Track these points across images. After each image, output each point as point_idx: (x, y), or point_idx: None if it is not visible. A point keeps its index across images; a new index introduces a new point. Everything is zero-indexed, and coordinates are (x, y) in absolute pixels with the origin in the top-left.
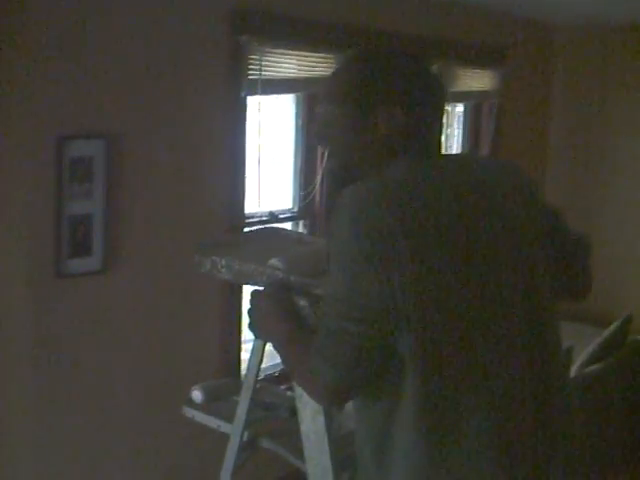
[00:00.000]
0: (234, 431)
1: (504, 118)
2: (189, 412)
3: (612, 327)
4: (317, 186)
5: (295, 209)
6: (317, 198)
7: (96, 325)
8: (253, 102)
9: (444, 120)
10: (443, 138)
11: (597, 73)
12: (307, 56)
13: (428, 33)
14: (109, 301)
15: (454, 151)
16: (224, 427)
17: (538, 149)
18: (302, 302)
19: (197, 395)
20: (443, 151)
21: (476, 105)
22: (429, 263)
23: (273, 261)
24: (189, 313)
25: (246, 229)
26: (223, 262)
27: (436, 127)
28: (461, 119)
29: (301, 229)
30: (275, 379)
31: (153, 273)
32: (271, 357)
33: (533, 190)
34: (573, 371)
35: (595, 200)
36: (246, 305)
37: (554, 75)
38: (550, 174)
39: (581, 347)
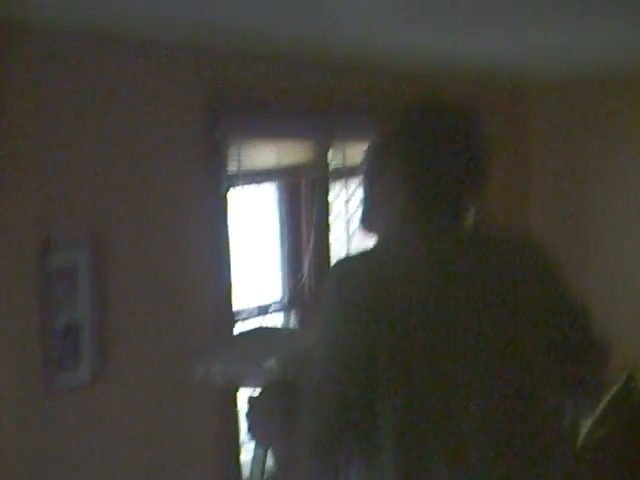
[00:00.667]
0: None
1: None
2: None
3: (614, 389)
4: (305, 274)
5: (285, 299)
6: (306, 286)
7: (87, 439)
8: (235, 193)
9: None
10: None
11: (573, 133)
12: (286, 144)
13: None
14: (100, 413)
15: None
16: None
17: (516, 210)
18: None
19: None
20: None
21: None
22: (405, 327)
23: (268, 363)
24: (183, 422)
25: (236, 327)
26: (216, 368)
27: (453, 196)
28: None
29: (292, 319)
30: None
31: (144, 381)
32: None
33: (547, 277)
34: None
35: (578, 258)
36: (243, 409)
37: (531, 135)
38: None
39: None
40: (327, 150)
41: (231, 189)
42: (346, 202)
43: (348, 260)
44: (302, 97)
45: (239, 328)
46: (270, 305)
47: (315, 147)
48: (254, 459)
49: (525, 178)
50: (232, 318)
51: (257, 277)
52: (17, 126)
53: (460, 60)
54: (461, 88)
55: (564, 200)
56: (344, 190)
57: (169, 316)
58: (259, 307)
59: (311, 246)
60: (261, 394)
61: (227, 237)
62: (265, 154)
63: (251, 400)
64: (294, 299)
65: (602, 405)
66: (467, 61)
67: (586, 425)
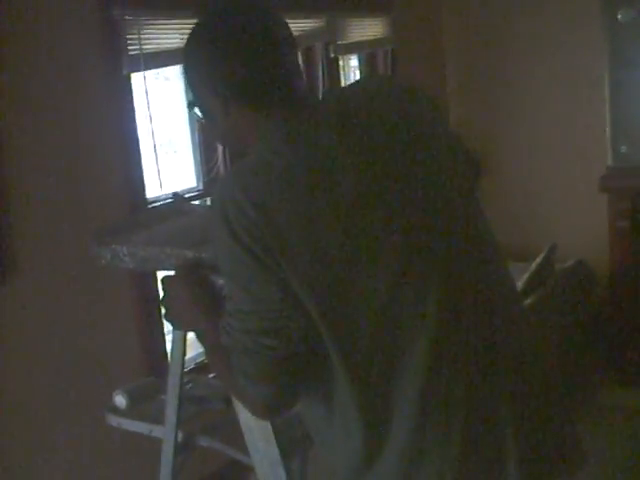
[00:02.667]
0: (167, 434)
1: (400, 64)
2: (114, 420)
3: (539, 259)
4: (219, 160)
5: (200, 187)
6: (221, 172)
7: (3, 339)
8: (139, 84)
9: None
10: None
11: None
12: (188, 24)
13: None
14: (13, 312)
15: None
16: (156, 431)
17: (437, 91)
18: (220, 281)
19: (120, 400)
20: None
21: (370, 54)
22: (317, 240)
23: (182, 242)
24: (101, 312)
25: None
26: (125, 250)
27: (288, 79)
28: (357, 71)
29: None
30: (203, 368)
31: (56, 275)
32: (196, 345)
33: (434, 112)
34: None
35: (499, 136)
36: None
37: (445, 12)
38: (451, 115)
39: None
40: None
41: (133, 72)
42: None
43: (226, 184)
44: None
45: None
46: (185, 192)
47: None
48: (173, 344)
49: (442, 58)
50: (145, 205)
51: (170, 165)
52: None
53: None
54: None
55: (479, 75)
56: None
57: (78, 207)
58: (173, 193)
59: None
60: (175, 275)
61: (133, 119)
62: (168, 35)
63: (165, 281)
64: (209, 186)
65: (528, 274)
66: None
67: None
